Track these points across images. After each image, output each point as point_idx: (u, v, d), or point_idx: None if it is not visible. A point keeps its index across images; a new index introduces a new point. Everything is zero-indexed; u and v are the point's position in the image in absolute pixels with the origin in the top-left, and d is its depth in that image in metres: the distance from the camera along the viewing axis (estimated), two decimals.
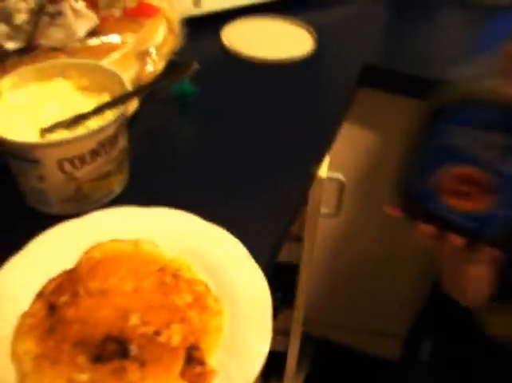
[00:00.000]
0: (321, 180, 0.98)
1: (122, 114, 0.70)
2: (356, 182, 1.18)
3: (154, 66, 0.92)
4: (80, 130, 0.71)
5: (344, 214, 1.15)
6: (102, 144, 0.69)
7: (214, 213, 0.73)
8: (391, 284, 1.63)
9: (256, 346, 0.60)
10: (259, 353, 0.59)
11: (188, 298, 0.64)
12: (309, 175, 0.88)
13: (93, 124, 0.71)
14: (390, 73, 1.09)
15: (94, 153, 0.69)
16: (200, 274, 0.67)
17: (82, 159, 0.69)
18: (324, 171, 0.98)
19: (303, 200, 0.84)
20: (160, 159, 0.87)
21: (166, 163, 0.87)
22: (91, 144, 0.68)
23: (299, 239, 1.11)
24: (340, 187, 1.07)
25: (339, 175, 1.05)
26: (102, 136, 0.69)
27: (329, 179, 1.02)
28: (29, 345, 0.59)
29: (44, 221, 0.73)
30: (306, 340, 1.68)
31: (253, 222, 0.74)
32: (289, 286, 1.27)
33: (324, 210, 1.09)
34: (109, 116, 0.72)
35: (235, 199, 0.79)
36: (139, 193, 0.79)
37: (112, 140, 0.71)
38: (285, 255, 1.02)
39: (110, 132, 0.69)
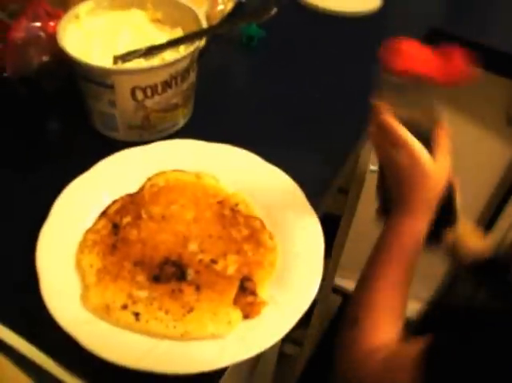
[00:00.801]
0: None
1: (196, 49, 0.72)
2: None
3: (224, 6, 0.93)
4: (155, 61, 0.73)
5: None
6: (174, 77, 0.71)
7: (270, 153, 0.74)
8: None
9: (306, 284, 0.62)
10: (309, 290, 0.61)
11: (245, 232, 0.66)
12: (363, 129, 0.89)
13: (168, 56, 0.73)
14: (455, 38, 1.08)
15: (166, 84, 0.71)
16: (257, 211, 0.69)
17: (154, 89, 0.71)
18: None
19: (354, 151, 0.85)
20: (222, 97, 0.89)
21: (227, 101, 0.88)
22: (164, 76, 0.70)
23: (345, 192, 1.13)
24: None
25: None
26: (175, 69, 0.70)
27: None
28: (93, 259, 0.63)
29: (109, 146, 0.76)
30: (333, 291, 1.71)
31: (305, 166, 0.75)
32: (329, 236, 1.29)
33: (372, 166, 1.10)
34: (182, 50, 0.74)
35: (291, 143, 0.81)
36: (200, 128, 0.81)
37: (184, 74, 0.72)
38: (328, 205, 1.03)
39: (183, 65, 0.71)
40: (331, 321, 1.92)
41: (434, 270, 1.68)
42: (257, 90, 0.90)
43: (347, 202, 1.14)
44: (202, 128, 0.81)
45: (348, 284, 1.80)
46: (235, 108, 0.87)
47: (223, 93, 0.89)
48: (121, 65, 0.72)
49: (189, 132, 0.80)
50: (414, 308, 1.83)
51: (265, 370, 1.26)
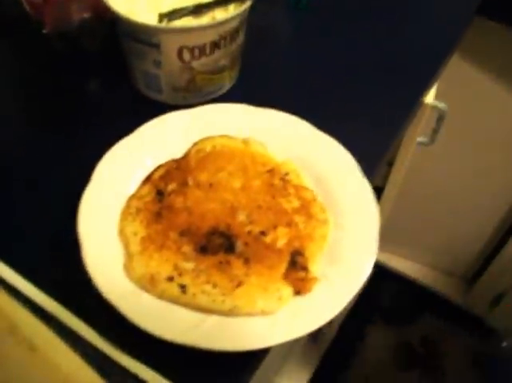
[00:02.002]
0: (425, 107, 0.95)
1: (247, 8, 0.67)
2: (455, 114, 1.13)
3: None
4: (203, 20, 0.69)
5: (437, 144, 1.11)
6: (223, 37, 0.67)
7: (319, 121, 0.70)
8: (465, 224, 1.60)
9: (361, 259, 0.59)
10: (364, 267, 0.58)
11: (295, 204, 0.63)
12: (416, 100, 0.84)
13: (217, 14, 0.69)
14: None
15: (214, 45, 0.67)
16: (307, 182, 0.66)
17: (202, 50, 0.67)
18: (430, 97, 0.94)
19: (407, 123, 0.81)
20: (269, 60, 0.84)
21: (274, 65, 0.84)
22: (213, 35, 0.66)
23: (389, 164, 1.09)
24: (440, 116, 1.03)
25: (442, 104, 1.01)
26: (225, 29, 0.67)
27: (432, 106, 0.98)
28: (137, 227, 0.60)
29: (152, 108, 0.73)
30: None
31: (357, 136, 0.71)
32: None
33: (419, 138, 1.06)
34: (232, 9, 0.70)
35: (342, 111, 0.77)
36: (246, 92, 0.77)
37: (233, 34, 0.69)
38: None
39: (233, 25, 0.67)
40: (363, 293, 1.90)
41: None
42: (306, 54, 0.86)
43: (390, 174, 1.10)
44: (248, 92, 0.77)
45: (384, 257, 1.78)
46: (283, 73, 0.82)
47: (270, 56, 0.85)
48: (169, 24, 0.68)
49: (235, 95, 0.76)
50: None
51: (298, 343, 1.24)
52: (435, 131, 1.03)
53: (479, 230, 1.60)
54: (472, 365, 1.76)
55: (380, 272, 1.82)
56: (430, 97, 0.93)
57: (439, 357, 1.77)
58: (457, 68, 1.12)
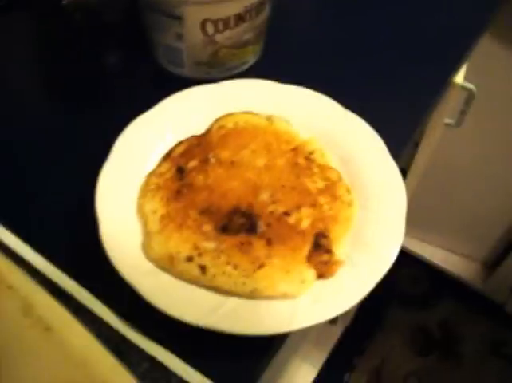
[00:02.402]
0: (454, 88, 0.91)
1: None
2: (483, 96, 1.10)
3: None
4: None
5: (466, 126, 1.08)
6: (249, 10, 0.65)
7: (345, 99, 0.68)
8: (487, 209, 1.57)
9: (386, 243, 0.57)
10: (389, 251, 0.56)
11: (320, 184, 0.60)
12: (446, 79, 0.81)
13: None
14: None
15: (239, 18, 0.65)
16: (333, 161, 0.63)
17: (226, 23, 0.65)
18: (459, 78, 0.91)
19: (435, 103, 0.78)
20: (294, 35, 0.82)
21: (299, 40, 0.81)
22: (238, 8, 0.64)
23: (415, 144, 1.06)
24: (468, 98, 1.00)
25: (471, 85, 0.97)
26: (251, 1, 0.64)
27: (461, 87, 0.95)
28: (156, 205, 0.58)
29: (173, 82, 0.71)
30: None
31: (384, 115, 0.68)
32: None
33: (447, 119, 1.03)
34: None
35: (369, 89, 0.74)
36: (270, 68, 0.74)
37: (259, 7, 0.66)
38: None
39: None
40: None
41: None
42: (332, 30, 0.83)
43: (416, 155, 1.07)
44: (272, 67, 0.74)
45: (404, 241, 1.74)
46: (308, 49, 0.80)
47: (295, 31, 0.82)
48: None
49: (258, 71, 0.74)
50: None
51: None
52: (463, 112, 1.00)
53: (502, 216, 1.57)
54: (489, 352, 1.74)
55: (399, 255, 1.80)
56: (459, 78, 0.89)
57: (456, 342, 1.75)
58: (487, 48, 1.08)
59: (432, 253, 1.79)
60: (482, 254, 1.75)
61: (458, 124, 1.04)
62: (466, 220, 1.66)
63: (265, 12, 0.68)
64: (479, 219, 1.64)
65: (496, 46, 1.15)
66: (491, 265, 1.73)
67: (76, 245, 0.57)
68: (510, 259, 1.60)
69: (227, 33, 0.66)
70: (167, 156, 0.62)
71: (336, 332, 1.58)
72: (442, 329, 1.77)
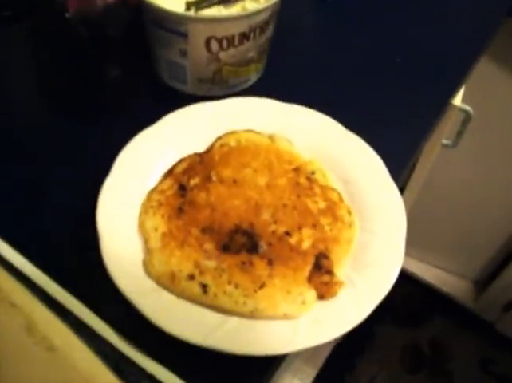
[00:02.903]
0: (452, 109, 0.92)
1: (279, 0, 0.65)
2: (479, 117, 1.11)
3: None
4: (232, 10, 0.67)
5: (460, 147, 1.09)
6: (253, 29, 0.65)
7: (346, 119, 0.68)
8: (480, 229, 1.58)
9: (387, 266, 0.57)
10: (390, 273, 0.56)
11: (321, 204, 0.61)
12: (445, 102, 0.82)
13: (248, 5, 0.66)
14: None
15: (243, 37, 0.65)
16: (334, 182, 0.64)
17: (230, 41, 0.65)
18: (457, 100, 0.92)
19: (434, 125, 0.78)
20: (295, 54, 0.82)
21: (300, 59, 0.82)
22: (243, 27, 0.64)
23: (412, 164, 1.06)
24: (465, 119, 1.01)
25: (468, 107, 0.98)
26: (256, 20, 0.65)
27: (459, 109, 0.95)
28: (157, 222, 0.58)
29: (175, 98, 0.71)
30: None
31: (384, 136, 0.69)
32: None
33: (444, 140, 1.04)
34: (262, 0, 0.67)
35: (370, 110, 0.74)
36: (272, 86, 0.75)
37: (263, 26, 0.66)
38: None
39: (264, 16, 0.65)
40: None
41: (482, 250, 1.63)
42: (332, 50, 0.83)
43: (412, 175, 1.08)
44: (273, 86, 0.75)
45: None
46: (309, 68, 0.80)
47: (296, 50, 0.83)
48: (198, 12, 0.66)
49: (260, 89, 0.74)
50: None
51: None
52: (460, 133, 1.01)
53: (494, 236, 1.57)
54: (479, 370, 1.74)
55: None
56: (457, 100, 0.90)
57: (446, 360, 1.75)
58: (483, 70, 1.09)
59: (424, 271, 1.80)
60: (474, 273, 1.75)
61: (455, 144, 1.04)
62: (458, 239, 1.67)
63: (269, 31, 0.69)
64: (471, 239, 1.65)
65: (492, 68, 1.16)
66: (482, 284, 1.74)
67: (76, 260, 0.57)
68: (500, 279, 1.61)
69: (231, 51, 0.66)
70: (169, 173, 0.62)
71: (327, 348, 1.58)
72: (432, 346, 1.77)
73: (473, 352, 1.75)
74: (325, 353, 1.62)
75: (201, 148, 0.65)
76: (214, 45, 0.64)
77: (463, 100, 0.97)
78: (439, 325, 1.80)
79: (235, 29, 0.64)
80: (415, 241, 1.65)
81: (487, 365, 1.73)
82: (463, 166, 1.43)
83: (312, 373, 1.59)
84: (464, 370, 1.73)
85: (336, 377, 1.68)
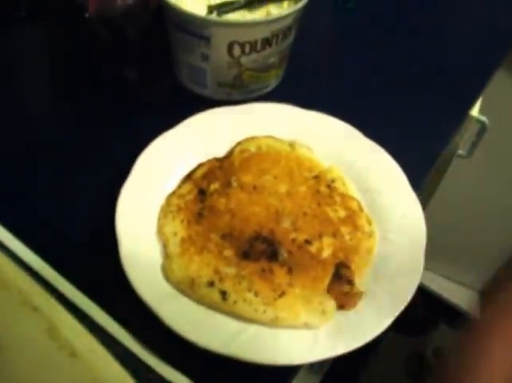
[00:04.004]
0: (469, 120, 0.92)
1: (302, 6, 0.65)
2: (493, 128, 1.10)
3: None
4: (256, 15, 0.66)
5: (474, 157, 1.08)
6: (276, 34, 0.65)
7: (366, 127, 0.67)
8: (488, 240, 1.57)
9: (407, 277, 0.56)
10: (409, 284, 0.55)
11: (341, 213, 0.60)
12: (465, 112, 0.81)
13: (272, 10, 0.66)
14: None
15: (266, 42, 0.65)
16: (353, 191, 0.63)
17: (253, 46, 0.65)
18: (474, 111, 0.91)
19: (454, 136, 0.78)
20: (315, 61, 0.82)
21: (320, 66, 0.81)
22: (266, 32, 0.64)
23: None
24: (481, 130, 1.00)
25: (483, 118, 0.98)
26: (279, 26, 0.64)
27: (475, 120, 0.95)
28: (177, 227, 0.57)
29: (194, 102, 0.71)
30: None
31: (405, 146, 0.68)
32: None
33: (460, 151, 1.03)
34: (285, 5, 0.67)
35: (390, 118, 0.74)
36: (291, 92, 0.74)
37: (286, 32, 0.66)
38: None
39: (287, 22, 0.65)
40: None
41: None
42: (354, 58, 0.83)
43: (426, 184, 1.07)
44: (293, 92, 0.75)
45: None
46: (329, 76, 0.80)
47: (316, 57, 0.82)
48: (222, 17, 0.65)
49: (279, 95, 0.74)
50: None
51: None
52: (474, 144, 1.00)
53: (501, 246, 1.56)
54: None
55: None
56: (474, 111, 0.89)
57: None
58: (499, 82, 1.08)
59: (430, 280, 1.79)
60: (480, 283, 1.75)
61: (469, 154, 1.04)
62: (465, 249, 1.66)
63: (291, 37, 0.68)
64: (478, 248, 1.64)
65: (508, 79, 1.16)
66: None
67: (94, 264, 0.56)
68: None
69: (253, 56, 0.65)
70: (188, 178, 0.62)
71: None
72: (437, 356, 1.76)
73: None
74: (328, 362, 1.61)
75: (220, 153, 0.65)
76: (237, 50, 0.64)
77: (480, 111, 0.96)
78: (444, 334, 1.79)
79: (258, 35, 0.63)
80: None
81: None
82: (474, 176, 1.42)
83: (315, 382, 1.59)
84: None
85: None
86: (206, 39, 0.63)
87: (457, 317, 1.80)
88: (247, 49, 0.64)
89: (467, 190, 1.47)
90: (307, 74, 0.78)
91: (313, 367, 1.34)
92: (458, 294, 1.80)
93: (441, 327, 1.82)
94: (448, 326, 1.82)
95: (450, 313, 1.82)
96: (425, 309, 1.82)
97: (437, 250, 1.64)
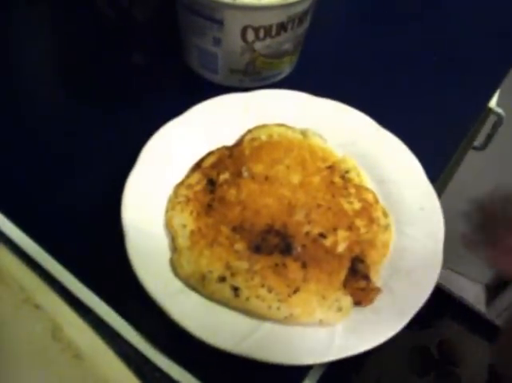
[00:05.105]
0: (486, 112, 0.89)
1: None
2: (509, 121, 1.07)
3: None
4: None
5: (489, 150, 1.05)
6: (292, 19, 0.62)
7: (381, 117, 0.65)
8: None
9: (425, 272, 0.54)
10: (428, 280, 0.53)
11: (356, 205, 0.58)
12: (483, 104, 0.78)
13: None
14: None
15: (281, 27, 0.62)
16: (368, 182, 0.61)
17: (268, 31, 0.62)
18: (492, 103, 0.88)
19: (472, 127, 0.75)
20: (330, 47, 0.79)
21: (336, 53, 0.78)
22: (282, 17, 0.61)
23: None
24: (497, 122, 0.97)
25: (500, 110, 0.95)
26: (295, 10, 0.61)
27: (492, 112, 0.92)
28: (186, 219, 0.55)
29: (203, 88, 0.68)
30: None
31: (422, 137, 0.65)
32: None
33: (476, 143, 1.01)
34: None
35: (407, 108, 0.71)
36: (305, 80, 0.72)
37: (302, 17, 0.63)
38: None
39: (303, 7, 0.62)
40: None
41: None
42: (370, 45, 0.80)
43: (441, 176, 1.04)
44: (306, 80, 0.72)
45: None
46: (344, 63, 0.77)
47: (332, 45, 0.79)
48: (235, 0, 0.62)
49: (292, 82, 0.71)
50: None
51: None
52: (490, 136, 0.97)
53: None
54: (488, 375, 1.71)
55: None
56: (491, 102, 0.87)
57: (454, 364, 1.73)
58: None
59: None
60: (487, 277, 1.73)
61: (484, 146, 1.01)
62: None
63: (307, 22, 0.66)
64: None
65: None
66: (494, 288, 1.71)
67: (99, 257, 0.53)
68: None
69: (267, 41, 0.63)
70: (197, 167, 0.59)
71: None
72: (441, 349, 1.74)
73: (482, 357, 1.73)
74: None
75: (230, 141, 0.62)
76: (251, 35, 0.61)
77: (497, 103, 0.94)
78: (449, 327, 1.77)
79: (274, 19, 0.61)
80: None
81: (494, 371, 1.71)
82: (486, 168, 1.40)
83: (318, 372, 1.57)
84: (472, 375, 1.70)
85: (342, 378, 1.65)
86: (219, 22, 0.61)
87: (462, 311, 1.78)
88: (261, 34, 0.62)
89: (474, 183, 1.44)
90: (320, 62, 0.75)
91: None
92: (463, 288, 1.78)
93: (446, 320, 1.80)
94: (453, 320, 1.80)
95: (455, 307, 1.80)
96: (430, 302, 1.79)
97: (445, 245, 1.62)
